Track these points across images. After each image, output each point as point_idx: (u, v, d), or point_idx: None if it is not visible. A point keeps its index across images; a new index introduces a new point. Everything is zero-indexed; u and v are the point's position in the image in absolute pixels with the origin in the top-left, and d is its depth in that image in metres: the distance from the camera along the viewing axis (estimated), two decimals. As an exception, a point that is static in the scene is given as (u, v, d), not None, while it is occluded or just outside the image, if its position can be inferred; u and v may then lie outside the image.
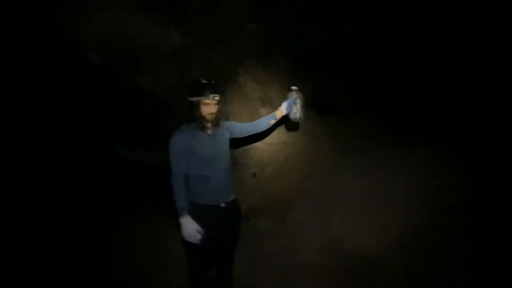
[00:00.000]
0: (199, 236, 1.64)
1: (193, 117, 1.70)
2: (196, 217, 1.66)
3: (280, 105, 1.95)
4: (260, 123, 1.95)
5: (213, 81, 1.73)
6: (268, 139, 2.74)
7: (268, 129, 2.00)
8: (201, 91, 1.67)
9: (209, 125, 1.73)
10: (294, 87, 1.96)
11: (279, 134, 2.78)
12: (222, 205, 1.74)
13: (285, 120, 2.07)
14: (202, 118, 1.69)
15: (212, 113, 1.69)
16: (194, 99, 1.68)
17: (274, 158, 2.90)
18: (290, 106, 1.92)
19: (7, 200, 2.32)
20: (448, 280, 1.84)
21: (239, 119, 2.51)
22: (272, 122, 1.96)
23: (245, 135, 1.94)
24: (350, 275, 2.09)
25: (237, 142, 2.14)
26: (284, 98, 1.97)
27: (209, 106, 1.68)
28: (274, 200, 2.77)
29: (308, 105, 1.98)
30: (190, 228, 1.64)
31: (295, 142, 2.90)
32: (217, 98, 1.69)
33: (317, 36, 2.67)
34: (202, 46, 2.89)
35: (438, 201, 2.14)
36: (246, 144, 2.70)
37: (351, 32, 2.57)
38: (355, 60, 2.65)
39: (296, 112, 1.91)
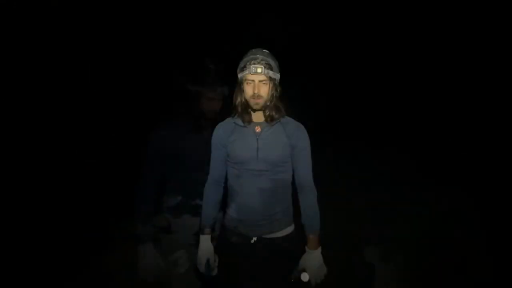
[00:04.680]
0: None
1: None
2: (218, 250, 1.17)
3: None
4: (307, 206, 1.13)
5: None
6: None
7: None
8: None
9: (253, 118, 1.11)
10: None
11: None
12: (253, 239, 1.13)
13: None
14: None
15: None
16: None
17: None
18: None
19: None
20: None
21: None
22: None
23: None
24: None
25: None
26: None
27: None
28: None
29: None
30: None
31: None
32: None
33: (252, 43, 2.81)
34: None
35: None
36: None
37: (284, 40, 2.61)
38: (301, 69, 2.74)
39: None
